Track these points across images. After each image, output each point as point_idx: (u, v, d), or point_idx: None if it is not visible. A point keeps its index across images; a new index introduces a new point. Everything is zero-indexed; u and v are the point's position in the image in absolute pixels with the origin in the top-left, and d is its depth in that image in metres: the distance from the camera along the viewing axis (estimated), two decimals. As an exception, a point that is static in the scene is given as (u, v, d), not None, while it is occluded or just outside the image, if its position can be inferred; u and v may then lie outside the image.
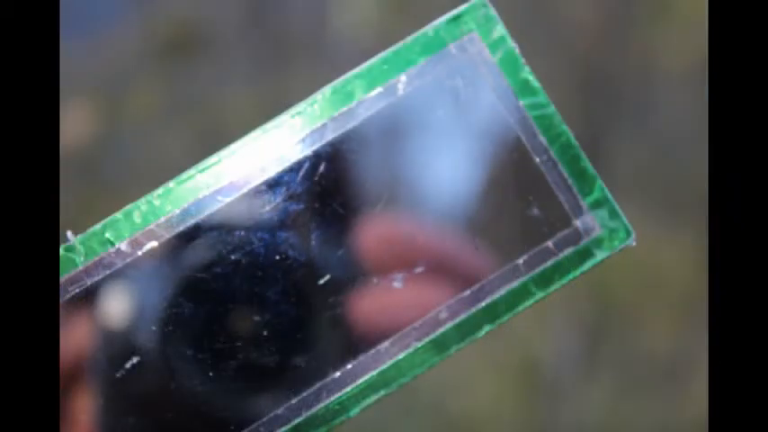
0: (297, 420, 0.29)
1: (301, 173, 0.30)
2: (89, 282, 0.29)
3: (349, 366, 0.30)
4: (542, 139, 0.30)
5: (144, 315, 0.30)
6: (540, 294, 0.30)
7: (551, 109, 0.30)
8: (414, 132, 0.30)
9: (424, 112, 0.30)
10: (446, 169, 0.30)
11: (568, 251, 0.30)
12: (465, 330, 0.30)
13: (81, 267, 0.29)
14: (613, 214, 0.30)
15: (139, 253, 0.29)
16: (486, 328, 0.30)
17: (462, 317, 0.30)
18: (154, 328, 0.30)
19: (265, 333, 0.30)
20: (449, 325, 0.30)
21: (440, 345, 0.30)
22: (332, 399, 0.30)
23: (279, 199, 0.30)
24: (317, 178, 0.30)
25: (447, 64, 0.30)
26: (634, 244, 0.30)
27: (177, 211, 0.30)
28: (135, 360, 0.29)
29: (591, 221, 0.30)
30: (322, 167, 0.30)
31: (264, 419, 0.29)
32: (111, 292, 0.29)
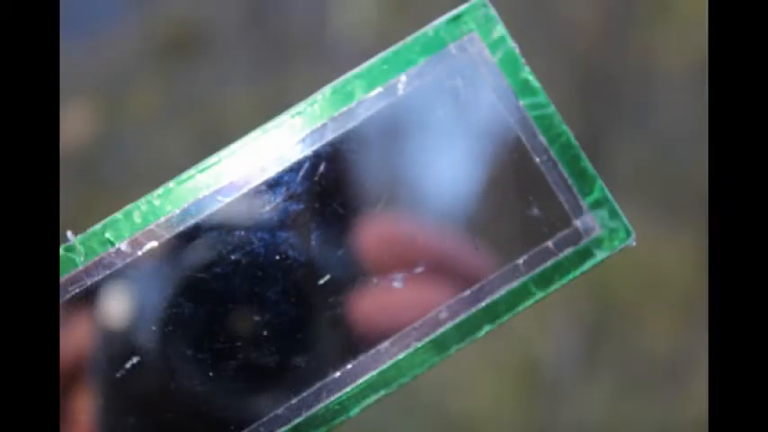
0: (297, 420, 0.29)
1: (301, 173, 0.30)
2: (89, 282, 0.29)
3: (349, 366, 0.30)
4: (542, 139, 0.30)
5: (144, 315, 0.30)
6: (540, 294, 0.30)
7: (551, 109, 0.30)
8: (414, 132, 0.30)
9: (424, 112, 0.30)
10: (446, 169, 0.30)
11: (568, 251, 0.30)
12: (465, 330, 0.30)
13: (81, 267, 0.29)
14: (613, 214, 0.30)
15: (139, 253, 0.29)
16: (486, 328, 0.30)
17: (462, 317, 0.30)
18: (154, 328, 0.30)
19: (265, 333, 0.30)
20: (449, 325, 0.30)
21: (440, 345, 0.30)
22: (332, 399, 0.30)
23: (279, 199, 0.30)
24: (316, 178, 0.30)
25: (447, 64, 0.30)
26: (634, 244, 0.30)
27: (177, 211, 0.30)
28: (135, 360, 0.29)
29: (591, 221, 0.30)
30: (322, 167, 0.30)
31: (264, 419, 0.29)
32: (111, 292, 0.29)
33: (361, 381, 0.30)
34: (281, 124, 0.30)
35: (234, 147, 0.30)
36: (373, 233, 0.30)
